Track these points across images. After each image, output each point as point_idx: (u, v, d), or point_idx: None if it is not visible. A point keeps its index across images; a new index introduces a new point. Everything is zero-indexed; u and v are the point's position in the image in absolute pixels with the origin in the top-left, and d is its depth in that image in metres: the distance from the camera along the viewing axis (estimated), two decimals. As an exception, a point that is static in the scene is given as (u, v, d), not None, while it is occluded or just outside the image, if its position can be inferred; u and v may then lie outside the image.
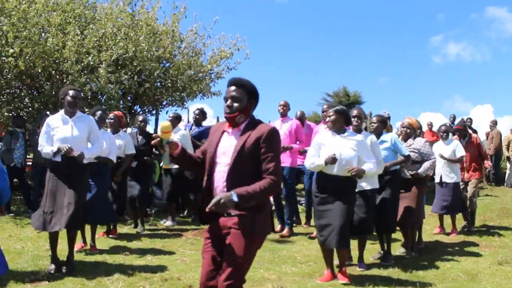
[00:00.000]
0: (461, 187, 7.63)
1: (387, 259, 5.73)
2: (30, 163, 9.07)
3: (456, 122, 12.15)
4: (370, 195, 5.28)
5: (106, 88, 8.37)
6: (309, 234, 7.02)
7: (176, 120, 7.79)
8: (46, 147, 4.93)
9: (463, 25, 42.98)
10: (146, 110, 10.66)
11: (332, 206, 4.69)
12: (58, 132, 4.91)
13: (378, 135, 5.69)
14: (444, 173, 7.32)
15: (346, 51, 43.72)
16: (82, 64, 8.34)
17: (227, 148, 2.82)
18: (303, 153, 6.85)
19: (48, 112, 9.01)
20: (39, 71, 8.37)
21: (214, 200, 2.59)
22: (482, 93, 42.98)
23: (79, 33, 8.47)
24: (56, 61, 8.40)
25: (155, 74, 9.26)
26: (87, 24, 8.99)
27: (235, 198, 2.59)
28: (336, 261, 4.98)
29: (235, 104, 2.82)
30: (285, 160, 6.91)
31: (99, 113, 6.17)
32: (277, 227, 7.08)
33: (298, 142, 7.15)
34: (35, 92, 9.21)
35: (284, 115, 7.28)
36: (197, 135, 7.93)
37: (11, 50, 7.94)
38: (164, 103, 10.43)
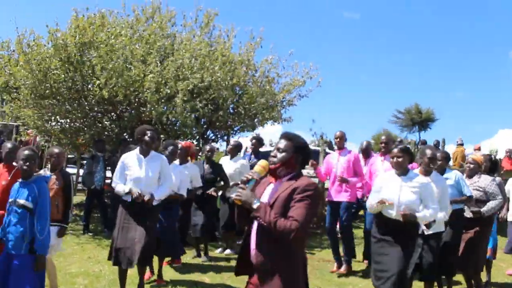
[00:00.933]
0: None
1: None
2: (108, 181, 9.59)
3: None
4: (434, 239, 5.08)
5: (181, 116, 8.70)
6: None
7: (236, 148, 7.88)
8: (119, 185, 5.18)
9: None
10: (218, 136, 10.94)
11: (391, 250, 4.49)
12: (132, 172, 5.15)
13: (442, 172, 5.43)
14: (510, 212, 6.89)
15: (419, 66, 42.38)
16: (161, 93, 8.73)
17: (266, 199, 2.86)
18: (342, 181, 6.79)
19: (126, 136, 9.56)
20: (121, 99, 8.87)
21: (241, 191, 2.77)
22: None
23: (159, 64, 8.88)
24: (137, 91, 8.86)
25: (229, 102, 9.48)
26: (166, 55, 9.42)
27: (254, 204, 2.74)
28: None
29: (278, 155, 2.89)
30: (342, 195, 6.85)
31: (170, 148, 6.36)
32: (334, 267, 7.00)
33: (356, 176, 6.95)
34: (114, 117, 9.77)
35: (341, 147, 7.07)
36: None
37: (98, 82, 8.49)
38: (235, 129, 10.63)
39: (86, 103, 9.53)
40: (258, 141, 8.32)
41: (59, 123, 10.36)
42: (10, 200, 4.07)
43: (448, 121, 40.95)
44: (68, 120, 10.05)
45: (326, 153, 10.62)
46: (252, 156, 8.28)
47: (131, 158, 5.23)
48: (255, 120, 10.05)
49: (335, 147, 7.42)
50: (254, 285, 2.84)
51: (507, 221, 6.98)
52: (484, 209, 5.62)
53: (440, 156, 5.44)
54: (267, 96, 9.77)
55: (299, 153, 2.92)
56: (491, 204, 5.67)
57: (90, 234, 8.89)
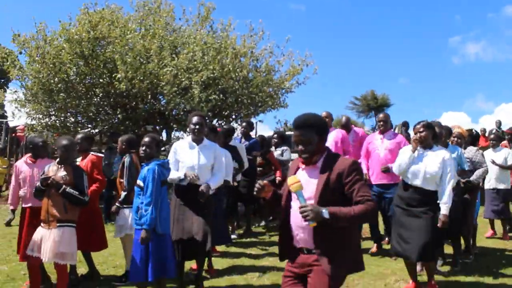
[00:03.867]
0: None
1: (456, 264, 5.89)
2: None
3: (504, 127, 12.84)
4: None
5: (198, 106, 9.20)
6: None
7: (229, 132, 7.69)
8: (172, 172, 4.90)
9: (481, 26, 43.54)
10: (223, 124, 11.47)
11: (415, 220, 4.73)
12: (185, 159, 4.94)
13: (445, 147, 5.57)
14: (495, 180, 7.61)
15: (369, 55, 44.55)
16: (177, 85, 9.16)
17: (304, 185, 2.74)
18: (385, 171, 6.33)
19: (141, 129, 9.88)
20: (137, 92, 9.22)
21: (307, 206, 2.59)
22: (505, 92, 43.57)
23: (175, 58, 9.30)
24: (153, 84, 9.24)
25: (237, 92, 10.07)
26: (176, 48, 9.83)
27: (325, 215, 2.56)
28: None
29: (308, 147, 2.78)
30: (395, 178, 6.28)
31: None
32: (374, 248, 6.75)
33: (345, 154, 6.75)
34: (129, 110, 10.07)
35: (385, 130, 6.73)
36: (248, 148, 7.83)
37: (118, 75, 8.81)
38: (240, 116, 11.19)
39: (96, 97, 9.77)
40: (249, 125, 8.31)
41: (65, 118, 10.49)
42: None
43: (401, 106, 43.39)
44: (78, 114, 10.21)
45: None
46: (243, 139, 8.24)
47: (183, 146, 5.05)
48: (260, 107, 10.68)
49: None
50: (302, 264, 2.79)
51: (485, 189, 7.78)
52: (473, 177, 6.16)
53: (445, 132, 5.94)
54: (271, 85, 10.43)
55: (323, 134, 2.84)
56: (478, 172, 6.16)
57: (113, 222, 9.20)
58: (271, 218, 8.93)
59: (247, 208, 8.19)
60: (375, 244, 6.74)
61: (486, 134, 11.92)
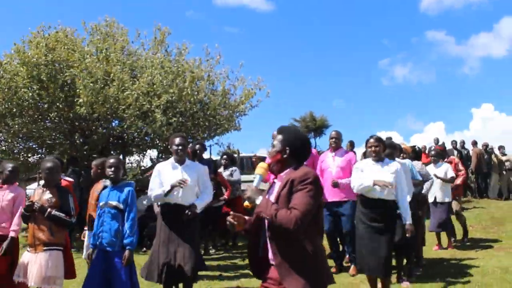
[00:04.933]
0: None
1: (411, 274, 6.19)
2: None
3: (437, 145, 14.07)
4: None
5: (159, 130, 9.32)
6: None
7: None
8: (155, 190, 4.97)
9: (406, 49, 47.10)
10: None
11: (377, 235, 4.95)
12: (169, 179, 4.94)
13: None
14: (439, 194, 8.01)
15: (305, 76, 46.43)
16: (138, 109, 9.23)
17: (270, 197, 2.83)
18: (335, 186, 6.39)
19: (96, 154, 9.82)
20: (97, 116, 9.19)
21: (248, 188, 2.83)
22: (432, 112, 47.17)
23: (135, 81, 9.40)
24: (113, 108, 9.25)
25: (195, 115, 10.31)
26: (134, 72, 9.92)
27: (257, 201, 2.75)
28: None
29: (271, 150, 2.92)
30: (349, 194, 6.41)
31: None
32: (333, 268, 6.57)
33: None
34: (87, 136, 9.95)
35: (337, 147, 6.83)
36: None
37: (80, 100, 8.75)
38: (197, 139, 11.37)
39: (51, 122, 9.60)
40: (202, 146, 8.13)
41: (16, 143, 10.17)
42: (101, 203, 4.60)
43: (338, 127, 45.22)
44: (31, 140, 9.94)
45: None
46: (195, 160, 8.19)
47: (166, 167, 5.10)
48: (218, 130, 10.96)
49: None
50: (273, 280, 2.75)
51: (429, 202, 8.10)
52: (424, 190, 6.65)
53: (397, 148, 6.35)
54: (228, 107, 10.78)
55: (290, 147, 2.85)
56: (427, 185, 6.66)
57: (73, 249, 8.98)
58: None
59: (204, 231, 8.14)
60: (335, 264, 6.70)
61: (427, 151, 12.90)
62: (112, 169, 4.59)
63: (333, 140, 6.82)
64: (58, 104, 9.36)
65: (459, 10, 47.19)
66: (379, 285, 5.21)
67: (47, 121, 9.78)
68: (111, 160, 4.68)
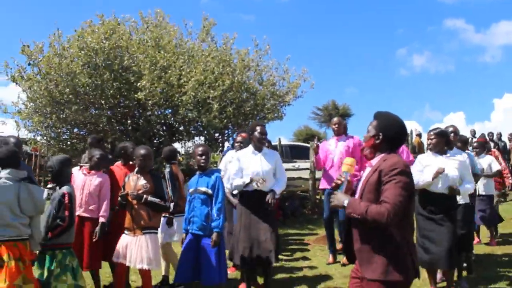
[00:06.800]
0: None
1: (471, 271, 5.92)
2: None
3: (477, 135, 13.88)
4: (466, 210, 5.55)
5: (214, 119, 9.35)
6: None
7: None
8: (237, 180, 5.12)
9: (422, 38, 46.71)
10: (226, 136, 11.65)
11: (438, 226, 4.87)
12: (249, 165, 5.12)
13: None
14: (481, 187, 7.60)
15: (325, 66, 46.27)
16: (194, 98, 9.26)
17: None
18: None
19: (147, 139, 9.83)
20: (155, 102, 9.24)
21: (336, 194, 2.81)
22: (452, 102, 46.78)
23: (193, 70, 9.40)
24: (171, 95, 9.28)
25: (245, 105, 10.33)
26: (192, 61, 9.94)
27: (344, 203, 2.72)
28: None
29: (365, 135, 2.94)
30: None
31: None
32: (330, 258, 6.73)
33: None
34: (140, 122, 10.01)
35: (339, 133, 6.82)
36: None
37: (144, 82, 8.79)
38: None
39: (105, 109, 9.63)
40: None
41: (70, 130, 10.25)
42: (190, 190, 4.79)
43: (361, 115, 44.98)
44: (85, 126, 9.99)
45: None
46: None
47: (246, 154, 5.25)
48: (264, 119, 10.98)
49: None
50: (357, 266, 2.81)
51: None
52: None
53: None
54: (275, 98, 10.79)
55: (384, 133, 2.84)
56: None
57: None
58: None
59: None
60: (331, 255, 6.74)
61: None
62: (203, 157, 4.77)
63: (336, 126, 6.85)
64: (111, 91, 9.37)
65: (477, -2, 46.59)
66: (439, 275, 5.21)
67: (99, 108, 9.78)
68: (201, 148, 4.84)
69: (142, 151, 4.85)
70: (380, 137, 2.84)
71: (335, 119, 7.00)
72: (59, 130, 10.40)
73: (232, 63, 10.25)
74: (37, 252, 4.28)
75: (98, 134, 10.03)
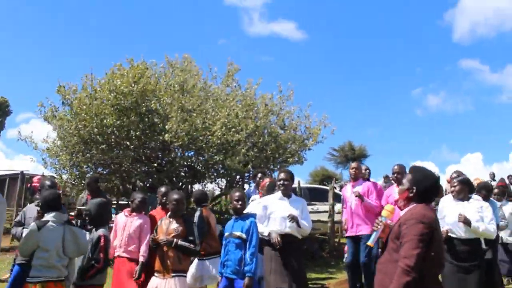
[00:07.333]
0: None
1: None
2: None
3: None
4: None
5: (237, 163, 9.49)
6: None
7: None
8: (260, 226, 5.15)
9: (439, 78, 47.07)
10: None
11: (467, 276, 4.87)
12: (276, 212, 5.21)
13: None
14: (505, 234, 7.48)
15: (341, 106, 46.72)
16: (219, 139, 9.44)
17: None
18: (359, 197, 6.49)
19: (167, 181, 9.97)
20: (180, 145, 9.45)
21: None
22: (469, 143, 46.60)
23: (218, 113, 9.66)
24: (196, 138, 9.50)
25: (267, 148, 10.48)
26: (216, 105, 10.21)
27: None
28: None
29: (400, 187, 3.19)
30: (362, 228, 6.57)
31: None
32: None
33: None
34: (163, 164, 10.21)
35: (356, 178, 6.88)
36: None
37: (168, 127, 9.05)
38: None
39: (130, 150, 9.85)
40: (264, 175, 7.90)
41: (95, 169, 10.48)
42: (226, 233, 4.96)
43: (376, 156, 44.89)
44: (110, 166, 10.20)
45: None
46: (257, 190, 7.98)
47: (273, 200, 5.36)
48: (285, 162, 11.09)
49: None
50: None
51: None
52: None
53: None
54: (297, 143, 10.96)
55: (417, 187, 3.00)
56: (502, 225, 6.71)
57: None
58: None
59: None
60: None
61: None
62: (240, 202, 4.96)
63: (353, 170, 6.93)
64: (137, 132, 9.62)
65: (492, 38, 47.23)
66: None
67: (124, 149, 10.00)
68: (238, 193, 5.06)
69: (176, 196, 5.00)
70: (414, 190, 3.01)
71: (353, 164, 7.11)
72: (83, 169, 10.62)
73: (255, 107, 10.48)
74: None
75: (121, 175, 10.29)
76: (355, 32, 50.77)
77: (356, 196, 6.52)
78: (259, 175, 7.56)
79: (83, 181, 10.54)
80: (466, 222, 4.92)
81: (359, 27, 50.88)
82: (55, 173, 10.49)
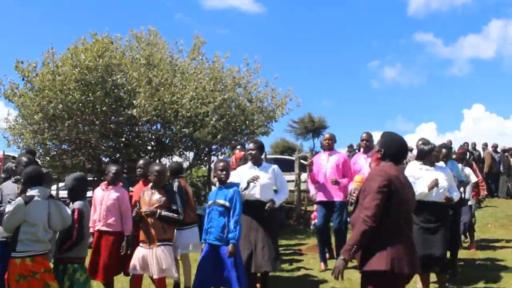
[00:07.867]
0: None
1: (456, 274, 6.24)
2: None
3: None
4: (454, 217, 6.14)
5: (207, 135, 9.59)
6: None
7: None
8: None
9: (395, 51, 48.21)
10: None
11: (433, 236, 5.17)
12: (247, 177, 5.40)
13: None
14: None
15: (297, 78, 47.06)
16: (192, 112, 9.50)
17: None
18: (335, 183, 6.81)
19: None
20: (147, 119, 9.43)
21: (336, 270, 3.13)
22: (423, 113, 48.28)
23: (186, 87, 9.65)
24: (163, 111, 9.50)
25: (234, 120, 10.61)
26: (183, 79, 10.18)
27: (342, 258, 3.11)
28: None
29: (372, 150, 3.57)
30: (335, 194, 6.91)
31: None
32: (321, 266, 6.94)
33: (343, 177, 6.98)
34: (131, 138, 10.16)
35: (330, 148, 7.15)
36: None
37: (138, 101, 8.98)
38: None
39: (97, 125, 9.73)
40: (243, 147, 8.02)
41: (59, 145, 10.29)
42: (209, 202, 5.08)
43: (336, 127, 45.47)
44: (75, 142, 10.05)
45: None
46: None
47: (244, 169, 5.62)
48: (252, 134, 11.26)
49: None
50: None
51: None
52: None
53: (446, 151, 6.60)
54: (265, 115, 11.13)
55: (385, 149, 3.32)
56: (468, 189, 7.48)
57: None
58: None
59: None
60: (322, 263, 6.98)
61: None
62: (224, 172, 5.06)
63: (327, 141, 7.23)
64: (104, 107, 9.49)
65: (446, 12, 48.60)
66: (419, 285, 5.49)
67: (90, 124, 9.87)
68: (222, 164, 5.16)
69: (157, 167, 5.11)
70: (382, 152, 3.33)
71: (327, 135, 7.35)
72: (48, 146, 10.42)
73: (223, 80, 10.52)
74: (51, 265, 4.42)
75: (87, 151, 10.17)
76: (312, 5, 50.88)
77: (332, 183, 6.77)
78: (238, 146, 7.71)
79: (47, 158, 10.40)
80: (450, 200, 5.29)
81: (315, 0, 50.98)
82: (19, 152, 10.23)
